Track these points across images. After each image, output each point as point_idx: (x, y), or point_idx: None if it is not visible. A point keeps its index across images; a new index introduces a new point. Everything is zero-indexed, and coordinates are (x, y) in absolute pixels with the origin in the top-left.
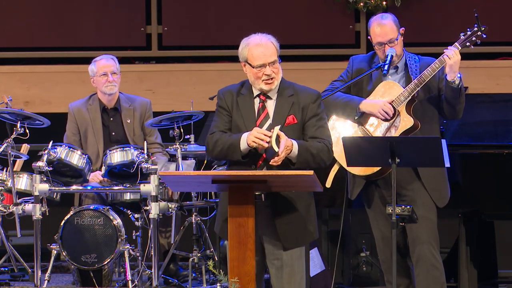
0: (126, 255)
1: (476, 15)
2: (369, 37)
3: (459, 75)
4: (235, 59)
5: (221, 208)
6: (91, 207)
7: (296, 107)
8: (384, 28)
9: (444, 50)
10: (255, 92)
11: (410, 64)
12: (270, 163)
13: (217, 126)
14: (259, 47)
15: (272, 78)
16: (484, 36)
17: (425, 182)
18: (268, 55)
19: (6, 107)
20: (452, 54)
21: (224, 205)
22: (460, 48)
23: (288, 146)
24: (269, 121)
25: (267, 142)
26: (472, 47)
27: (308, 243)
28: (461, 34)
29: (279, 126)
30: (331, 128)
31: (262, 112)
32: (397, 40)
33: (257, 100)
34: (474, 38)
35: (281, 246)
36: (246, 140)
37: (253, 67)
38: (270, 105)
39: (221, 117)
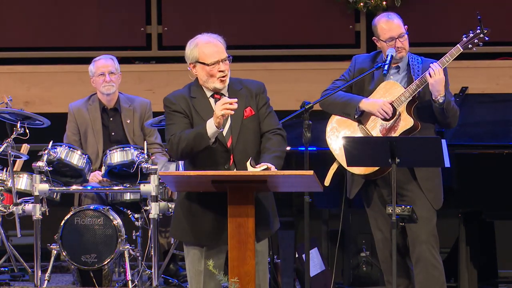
0: (126, 255)
1: (479, 17)
2: (373, 38)
3: (443, 96)
4: (234, 59)
5: (182, 209)
6: (91, 207)
7: (249, 98)
8: (393, 23)
9: (430, 65)
10: (208, 93)
11: (413, 65)
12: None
13: (177, 128)
14: (210, 45)
15: (225, 75)
16: (487, 38)
17: (420, 183)
18: (220, 51)
19: (6, 107)
20: (433, 73)
21: (189, 206)
22: (462, 50)
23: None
24: (229, 118)
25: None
26: (474, 49)
27: (275, 230)
28: (464, 36)
29: (250, 159)
30: (332, 128)
31: None
32: (406, 34)
33: (212, 100)
34: (476, 41)
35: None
36: (215, 114)
37: (207, 65)
38: None
39: (178, 119)
